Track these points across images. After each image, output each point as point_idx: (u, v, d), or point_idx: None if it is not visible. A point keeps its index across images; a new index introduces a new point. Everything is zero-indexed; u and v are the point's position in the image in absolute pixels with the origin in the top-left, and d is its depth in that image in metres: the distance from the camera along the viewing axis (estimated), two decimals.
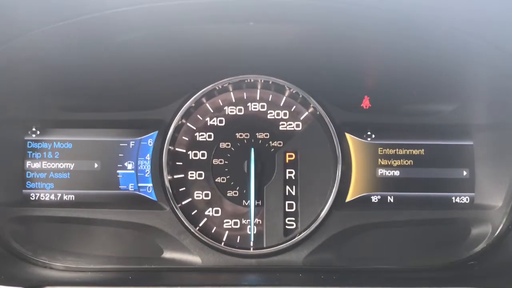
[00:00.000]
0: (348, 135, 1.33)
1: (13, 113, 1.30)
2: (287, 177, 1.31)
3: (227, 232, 1.31)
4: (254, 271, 1.28)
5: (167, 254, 1.28)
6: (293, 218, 1.31)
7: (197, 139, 1.33)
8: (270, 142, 1.33)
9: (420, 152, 1.34)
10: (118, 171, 1.32)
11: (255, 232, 1.29)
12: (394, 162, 1.34)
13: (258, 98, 1.35)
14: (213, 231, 1.30)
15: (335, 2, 1.06)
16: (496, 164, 1.31)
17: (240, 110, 1.34)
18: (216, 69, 1.31)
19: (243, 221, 1.31)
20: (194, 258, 1.28)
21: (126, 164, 1.32)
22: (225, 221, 1.31)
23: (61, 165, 1.32)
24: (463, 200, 1.33)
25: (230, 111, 1.34)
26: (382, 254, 1.29)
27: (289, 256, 1.28)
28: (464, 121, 1.33)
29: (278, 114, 1.34)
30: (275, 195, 1.30)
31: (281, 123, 1.34)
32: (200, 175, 1.32)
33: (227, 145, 1.33)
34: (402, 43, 1.20)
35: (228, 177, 1.32)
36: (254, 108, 1.34)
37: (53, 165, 1.32)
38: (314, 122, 1.33)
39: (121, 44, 1.21)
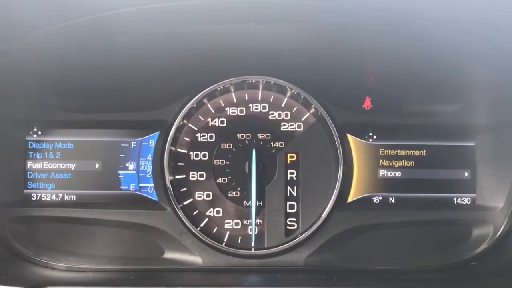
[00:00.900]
0: (349, 136, 1.33)
1: (15, 113, 1.30)
2: (288, 178, 1.31)
3: (228, 232, 1.31)
4: (255, 271, 1.28)
5: (168, 255, 1.28)
6: (295, 219, 1.31)
7: (199, 140, 1.33)
8: (272, 142, 1.33)
9: (421, 153, 1.34)
10: (119, 172, 1.32)
11: (256, 232, 1.29)
12: (396, 163, 1.34)
13: (259, 99, 1.35)
14: (214, 232, 1.30)
15: (336, 2, 1.06)
16: (498, 165, 1.31)
17: (241, 111, 1.34)
18: (217, 70, 1.31)
19: (244, 222, 1.31)
20: (195, 259, 1.28)
21: (127, 164, 1.32)
22: (226, 221, 1.31)
23: (63, 165, 1.32)
24: (464, 201, 1.33)
25: (232, 112, 1.34)
26: (383, 255, 1.29)
27: (290, 257, 1.28)
28: (465, 122, 1.33)
29: (279, 115, 1.34)
30: (277, 196, 1.30)
31: (282, 123, 1.34)
32: (201, 175, 1.32)
33: (229, 145, 1.33)
34: (403, 43, 1.20)
35: (229, 177, 1.32)
36: (255, 108, 1.34)
37: (54, 165, 1.32)
38: (316, 123, 1.33)
39: (123, 45, 1.21)
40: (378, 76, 1.35)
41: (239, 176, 1.31)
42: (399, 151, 1.34)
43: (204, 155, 1.32)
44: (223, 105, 1.34)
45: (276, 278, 1.24)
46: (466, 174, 1.33)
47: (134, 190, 1.32)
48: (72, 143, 1.33)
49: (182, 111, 1.32)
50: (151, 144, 1.32)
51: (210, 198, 1.31)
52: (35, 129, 1.33)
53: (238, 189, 1.32)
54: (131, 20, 1.12)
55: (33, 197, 1.32)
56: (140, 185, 1.32)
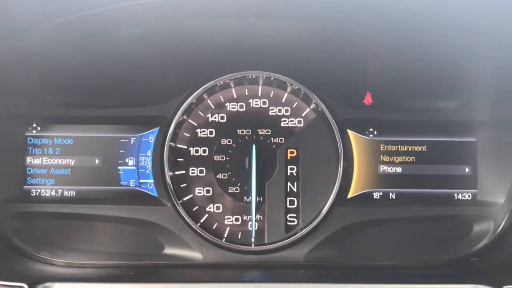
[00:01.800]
0: (350, 132, 1.32)
1: (14, 109, 1.30)
2: (288, 174, 1.31)
3: (228, 228, 1.31)
4: (255, 267, 1.27)
5: (168, 250, 1.28)
6: (295, 215, 1.30)
7: (199, 136, 1.33)
8: (272, 138, 1.32)
9: (422, 148, 1.33)
10: (119, 167, 1.32)
11: (256, 228, 1.29)
12: (396, 159, 1.33)
13: (259, 94, 1.34)
14: (214, 227, 1.30)
15: None
16: (499, 161, 1.30)
17: (241, 106, 1.34)
18: (217, 65, 1.31)
19: (244, 218, 1.31)
20: (195, 254, 1.28)
21: (127, 160, 1.32)
22: (226, 217, 1.31)
23: (62, 161, 1.32)
24: (465, 197, 1.32)
25: (232, 107, 1.34)
26: (384, 250, 1.29)
27: (291, 253, 1.28)
28: (466, 118, 1.33)
29: (279, 111, 1.34)
30: (277, 192, 1.30)
31: (282, 119, 1.33)
32: (201, 171, 1.32)
33: (229, 141, 1.32)
34: (404, 39, 1.20)
35: (229, 173, 1.32)
36: (255, 104, 1.34)
37: (54, 161, 1.32)
38: (316, 119, 1.33)
39: (122, 40, 1.21)
40: (378, 72, 1.35)
41: (239, 172, 1.31)
42: (399, 146, 1.34)
43: (204, 151, 1.32)
44: (223, 100, 1.34)
45: (276, 274, 1.24)
46: (467, 170, 1.33)
47: (133, 186, 1.31)
48: (72, 139, 1.33)
49: (182, 107, 1.31)
50: (151, 139, 1.32)
51: (210, 194, 1.31)
52: (34, 125, 1.33)
53: (238, 185, 1.31)
54: (131, 16, 1.12)
55: (33, 193, 1.31)
56: (140, 181, 1.31)
